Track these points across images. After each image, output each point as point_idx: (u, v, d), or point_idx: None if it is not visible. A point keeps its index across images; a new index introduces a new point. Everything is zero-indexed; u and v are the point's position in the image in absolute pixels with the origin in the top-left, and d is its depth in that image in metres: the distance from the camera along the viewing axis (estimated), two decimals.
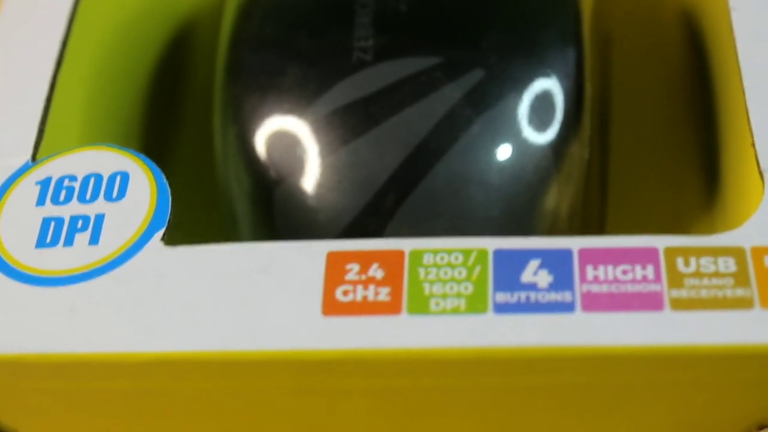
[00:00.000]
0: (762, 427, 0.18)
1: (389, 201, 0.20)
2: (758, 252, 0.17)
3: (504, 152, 0.20)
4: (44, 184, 0.19)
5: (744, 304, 0.17)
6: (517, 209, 0.20)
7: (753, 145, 0.18)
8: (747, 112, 0.19)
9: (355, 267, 0.18)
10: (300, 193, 0.21)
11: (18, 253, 0.18)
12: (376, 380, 0.17)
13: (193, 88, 0.27)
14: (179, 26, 0.27)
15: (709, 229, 0.23)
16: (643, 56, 0.26)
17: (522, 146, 0.21)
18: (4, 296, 0.18)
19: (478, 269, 0.17)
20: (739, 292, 0.17)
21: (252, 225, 0.21)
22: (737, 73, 0.21)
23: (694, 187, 0.24)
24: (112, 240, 0.18)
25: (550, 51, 0.21)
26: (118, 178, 0.19)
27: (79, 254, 0.18)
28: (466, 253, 0.18)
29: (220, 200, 0.22)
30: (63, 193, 0.19)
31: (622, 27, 0.25)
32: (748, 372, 0.17)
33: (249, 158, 0.21)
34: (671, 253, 0.17)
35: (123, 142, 0.24)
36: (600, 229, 0.22)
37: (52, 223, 0.19)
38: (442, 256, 0.18)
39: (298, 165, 0.21)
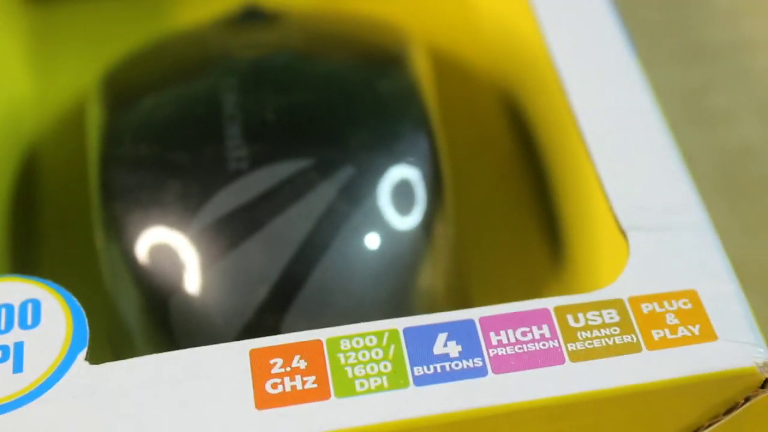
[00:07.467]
0: None
1: (283, 296, 0.22)
2: (635, 301, 0.19)
3: (383, 239, 0.22)
4: None
5: (632, 348, 0.19)
6: (401, 290, 0.22)
7: (611, 209, 0.21)
8: (600, 182, 0.21)
9: (278, 361, 0.19)
10: (195, 300, 0.22)
11: None
12: None
13: (47, 207, 0.27)
14: (25, 150, 0.27)
15: (563, 291, 0.25)
16: (472, 140, 0.28)
17: (397, 232, 0.22)
18: None
19: (393, 348, 0.19)
20: (627, 338, 0.19)
21: (149, 336, 0.22)
22: (570, 147, 0.23)
23: (542, 257, 0.26)
24: (37, 366, 0.19)
25: (408, 141, 0.23)
26: (30, 306, 0.20)
27: (5, 384, 0.19)
28: (379, 335, 0.19)
29: (109, 315, 0.23)
30: None
31: (448, 114, 0.27)
32: (643, 408, 0.19)
33: (139, 273, 0.22)
34: (561, 311, 0.19)
35: None
36: (467, 299, 0.24)
37: None
38: (358, 340, 0.19)
39: (190, 274, 0.22)
